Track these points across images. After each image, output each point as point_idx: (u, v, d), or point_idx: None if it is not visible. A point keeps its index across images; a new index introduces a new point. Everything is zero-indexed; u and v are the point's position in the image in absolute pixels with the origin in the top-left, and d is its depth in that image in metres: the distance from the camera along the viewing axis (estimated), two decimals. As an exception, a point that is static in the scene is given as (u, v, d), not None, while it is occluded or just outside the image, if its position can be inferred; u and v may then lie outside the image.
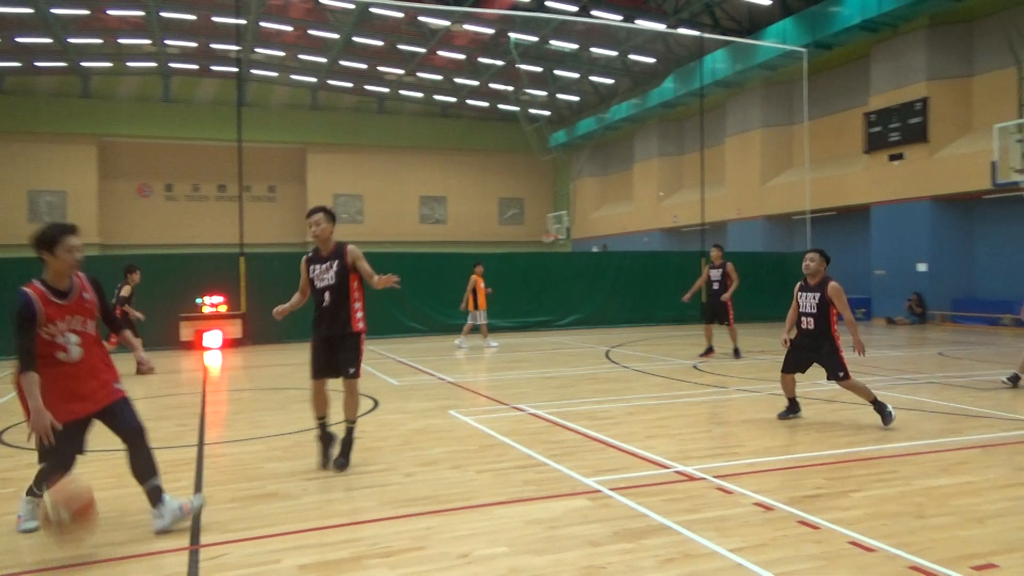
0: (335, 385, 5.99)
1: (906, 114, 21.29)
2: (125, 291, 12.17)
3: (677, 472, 5.55)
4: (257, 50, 33.41)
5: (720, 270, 13.17)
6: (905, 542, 4.05)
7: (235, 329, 16.90)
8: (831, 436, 6.79)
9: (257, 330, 16.99)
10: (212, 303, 16.88)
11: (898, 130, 21.56)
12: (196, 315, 16.74)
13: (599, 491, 5.09)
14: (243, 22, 27.97)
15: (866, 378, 10.53)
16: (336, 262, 5.78)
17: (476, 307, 15.59)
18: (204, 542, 4.26)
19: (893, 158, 21.85)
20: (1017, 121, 16.18)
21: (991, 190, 18.27)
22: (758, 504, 4.75)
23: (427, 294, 19.05)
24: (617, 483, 5.26)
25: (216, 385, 11.10)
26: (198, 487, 5.41)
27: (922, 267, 21.25)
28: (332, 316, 5.81)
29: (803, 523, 4.38)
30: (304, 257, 5.96)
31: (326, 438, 5.92)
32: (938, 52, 20.81)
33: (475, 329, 15.84)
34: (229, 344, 16.61)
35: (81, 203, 35.41)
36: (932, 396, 8.97)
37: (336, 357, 5.79)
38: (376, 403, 8.93)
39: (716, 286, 13.19)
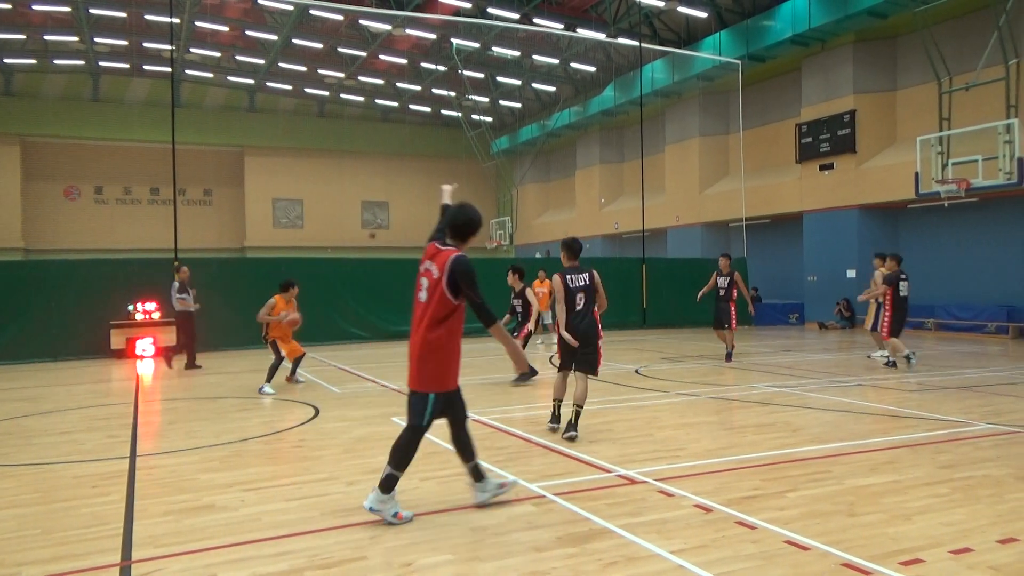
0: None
1: (835, 126, 22.10)
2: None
3: (619, 476, 5.61)
4: (192, 50, 32.54)
5: (728, 278, 13.53)
6: (837, 540, 4.19)
7: (169, 336, 16.36)
8: (767, 438, 6.98)
9: (192, 337, 16.51)
10: (145, 310, 16.33)
11: (828, 141, 22.36)
12: (128, 323, 16.16)
13: (543, 496, 5.12)
14: (177, 21, 27.24)
15: (800, 381, 10.88)
16: (586, 275, 7.24)
17: None
18: (136, 557, 4.11)
19: (823, 168, 22.65)
20: (938, 134, 16.96)
21: (914, 199, 19.10)
22: (698, 506, 4.85)
23: (370, 300, 18.85)
24: (561, 488, 5.29)
25: (149, 395, 10.74)
26: (130, 500, 5.22)
27: (851, 273, 22.06)
28: (582, 318, 7.11)
29: (741, 524, 4.49)
30: (560, 273, 7.24)
31: (558, 419, 7.36)
32: (864, 67, 21.69)
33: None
34: (162, 352, 16.10)
35: (3, 205, 33.88)
36: (861, 398, 9.31)
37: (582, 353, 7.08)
38: (317, 411, 8.77)
39: (722, 293, 13.56)
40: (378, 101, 40.09)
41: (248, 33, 30.46)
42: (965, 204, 18.81)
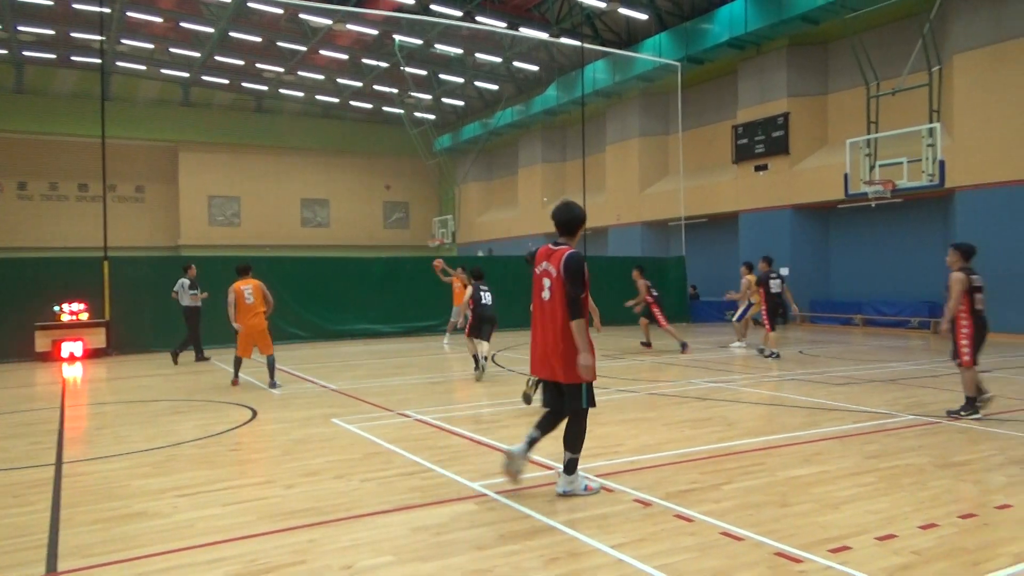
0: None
1: (770, 128, 22.73)
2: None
3: (556, 471, 5.66)
4: (123, 41, 31.36)
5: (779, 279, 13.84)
6: (770, 530, 4.31)
7: (97, 338, 15.77)
8: (704, 433, 7.14)
9: (122, 339, 15.96)
10: (72, 311, 15.69)
11: (763, 142, 22.99)
12: (53, 324, 15.50)
13: (485, 495, 5.12)
14: (107, 11, 26.24)
15: (735, 376, 11.16)
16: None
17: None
18: (62, 569, 3.96)
19: (758, 169, 23.27)
20: (866, 137, 17.59)
21: (844, 200, 19.78)
22: (637, 500, 4.93)
23: (309, 299, 18.50)
24: (503, 486, 5.31)
25: (76, 399, 10.33)
26: (55, 509, 5.01)
27: (784, 271, 22.71)
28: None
29: (679, 516, 4.58)
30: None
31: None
32: (797, 71, 22.38)
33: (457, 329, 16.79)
34: (90, 354, 15.51)
35: (-84, 201, 32.14)
36: (794, 392, 9.61)
37: None
38: (254, 413, 8.59)
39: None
40: (318, 97, 39.44)
41: (183, 25, 29.55)
42: (891, 204, 19.58)
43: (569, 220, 5.21)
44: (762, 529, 4.33)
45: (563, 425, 5.14)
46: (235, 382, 10.83)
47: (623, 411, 8.41)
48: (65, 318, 15.61)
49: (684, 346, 14.62)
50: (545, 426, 5.20)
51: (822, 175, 21.21)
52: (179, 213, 38.37)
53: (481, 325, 11.24)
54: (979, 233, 17.68)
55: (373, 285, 19.47)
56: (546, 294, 5.07)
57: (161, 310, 16.25)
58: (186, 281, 14.46)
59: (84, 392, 11.08)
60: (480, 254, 34.48)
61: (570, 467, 5.05)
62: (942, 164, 16.00)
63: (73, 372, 13.45)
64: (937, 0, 16.44)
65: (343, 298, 18.99)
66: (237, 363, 10.81)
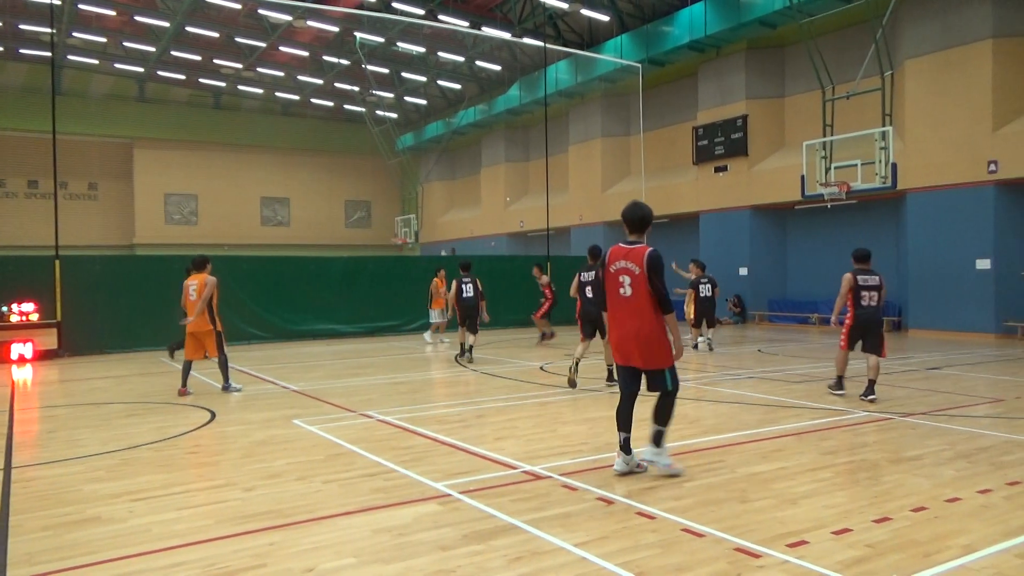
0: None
1: (729, 129, 23.08)
2: None
3: (525, 472, 5.67)
4: (75, 34, 30.51)
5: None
6: (731, 526, 4.38)
7: (48, 340, 15.34)
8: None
9: (75, 340, 15.55)
10: (22, 311, 15.23)
11: (722, 144, 23.33)
12: (2, 325, 15.03)
13: (449, 495, 5.11)
14: (58, 2, 25.54)
15: (697, 374, 11.30)
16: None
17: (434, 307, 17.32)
18: (11, 577, 3.84)
19: (718, 170, 23.61)
20: (821, 139, 17.96)
21: (801, 201, 20.17)
22: (600, 499, 4.96)
23: (269, 299, 18.25)
24: (467, 486, 5.30)
25: (26, 402, 10.02)
26: (4, 516, 4.86)
27: (743, 271, 23.11)
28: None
29: (641, 514, 4.62)
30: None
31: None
32: (755, 74, 22.76)
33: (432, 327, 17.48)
34: (41, 356, 15.08)
35: None
36: (752, 390, 9.77)
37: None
38: (213, 415, 8.44)
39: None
40: (278, 94, 38.90)
41: (137, 19, 28.86)
42: (846, 205, 20.03)
43: (641, 218, 5.58)
44: (722, 525, 4.39)
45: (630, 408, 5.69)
46: (183, 391, 9.84)
47: (586, 410, 8.45)
48: (14, 319, 15.17)
49: (544, 335, 17.00)
50: (627, 421, 5.63)
51: (780, 176, 21.61)
52: (134, 211, 37.52)
53: (464, 318, 13.42)
54: (929, 233, 18.24)
55: (334, 285, 19.29)
56: (626, 291, 5.43)
57: (115, 310, 15.87)
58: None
59: (35, 395, 10.76)
60: (443, 253, 34.38)
61: (657, 439, 5.52)
62: (894, 167, 16.41)
63: (23, 374, 13.06)
64: (889, 7, 16.87)
65: (304, 298, 18.77)
66: (186, 369, 9.99)
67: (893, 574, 3.65)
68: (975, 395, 9.18)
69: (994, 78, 16.87)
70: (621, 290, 5.46)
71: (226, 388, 10.09)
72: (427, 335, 17.73)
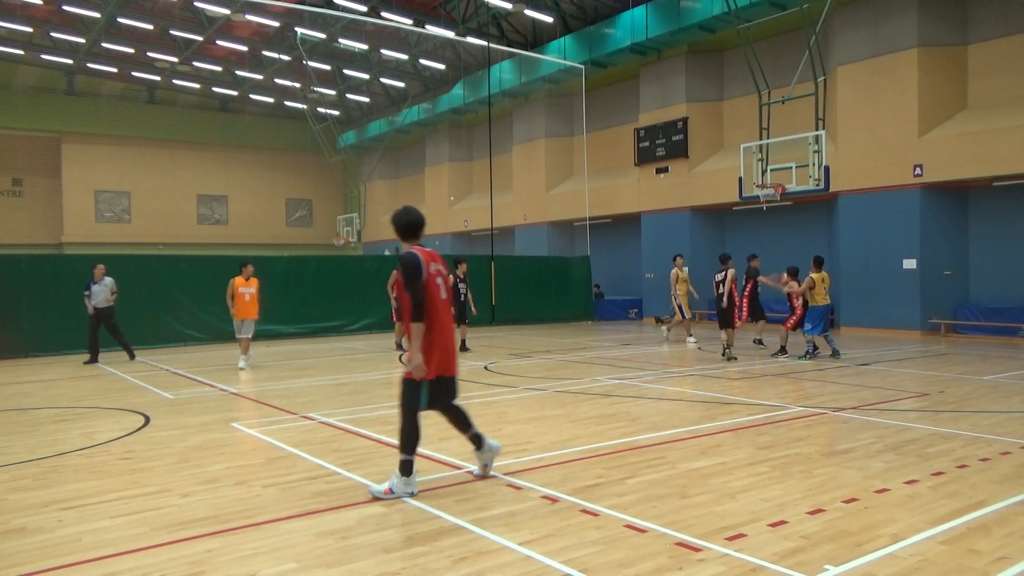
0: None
1: (669, 131, 23.50)
2: None
3: (469, 472, 5.67)
4: (-3, 23, 29.18)
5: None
6: (672, 521, 4.47)
7: (-30, 342, 14.66)
8: (609, 428, 7.31)
9: (-1, 343, 14.89)
10: (-61, 313, 14.50)
11: (663, 146, 23.73)
12: (-83, 327, 14.29)
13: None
14: (-22, -10, 24.36)
15: (639, 373, 11.48)
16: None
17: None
18: (-71, 593, 3.66)
19: (659, 171, 24.00)
20: (758, 142, 18.46)
21: (738, 202, 20.68)
22: (545, 497, 4.99)
23: (206, 299, 17.76)
24: (410, 487, 5.26)
25: (-56, 408, 9.54)
26: (-80, 529, 4.61)
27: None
28: None
29: (585, 511, 4.67)
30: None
31: None
32: (695, 77, 23.22)
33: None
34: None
35: None
36: (692, 387, 9.98)
37: None
38: (147, 419, 8.18)
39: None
40: (216, 89, 37.92)
41: (66, 8, 27.73)
42: (781, 207, 20.61)
43: (408, 224, 5.37)
44: (664, 520, 4.48)
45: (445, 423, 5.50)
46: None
47: (530, 409, 8.50)
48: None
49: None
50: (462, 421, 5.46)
51: (718, 178, 22.10)
52: (63, 208, 36.09)
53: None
54: (859, 234, 18.91)
55: (275, 285, 18.85)
56: (444, 293, 5.30)
57: (43, 312, 15.23)
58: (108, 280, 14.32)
59: (-46, 401, 10.24)
60: (387, 253, 34.07)
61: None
62: (827, 170, 16.97)
63: (-59, 379, 12.41)
64: (822, 15, 17.43)
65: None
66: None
67: (826, 564, 3.78)
68: (903, 390, 9.57)
69: (920, 85, 17.59)
70: (441, 293, 5.27)
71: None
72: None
